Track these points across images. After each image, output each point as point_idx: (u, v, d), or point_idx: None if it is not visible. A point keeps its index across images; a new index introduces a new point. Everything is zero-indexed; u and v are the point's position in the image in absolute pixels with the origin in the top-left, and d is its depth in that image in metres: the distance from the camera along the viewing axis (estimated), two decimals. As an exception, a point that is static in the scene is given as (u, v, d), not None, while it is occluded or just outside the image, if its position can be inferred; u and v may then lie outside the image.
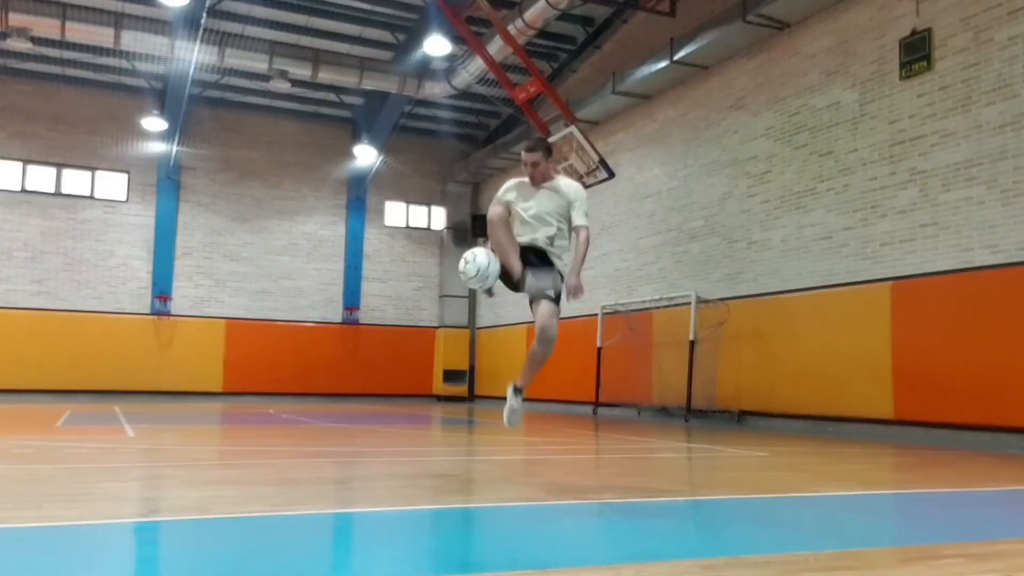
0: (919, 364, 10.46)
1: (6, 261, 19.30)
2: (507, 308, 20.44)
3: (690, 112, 15.20)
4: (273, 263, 21.69)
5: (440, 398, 22.52)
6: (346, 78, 18.22)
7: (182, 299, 20.64)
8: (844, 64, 12.02)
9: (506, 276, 5.24)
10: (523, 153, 5.34)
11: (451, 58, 17.57)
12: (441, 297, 23.00)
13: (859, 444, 9.60)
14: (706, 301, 13.96)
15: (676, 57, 14.31)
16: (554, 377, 18.73)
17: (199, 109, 20.53)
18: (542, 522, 4.14)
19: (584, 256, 5.29)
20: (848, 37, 11.99)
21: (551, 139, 13.77)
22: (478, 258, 5.10)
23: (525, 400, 5.40)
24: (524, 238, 5.28)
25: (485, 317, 22.45)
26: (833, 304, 11.79)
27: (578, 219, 5.28)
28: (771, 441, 9.78)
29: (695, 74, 14.88)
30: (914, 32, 10.98)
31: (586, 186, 13.62)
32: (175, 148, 20.21)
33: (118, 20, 16.03)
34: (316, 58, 17.83)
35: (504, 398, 5.42)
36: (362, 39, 18.43)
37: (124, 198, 20.46)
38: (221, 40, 16.74)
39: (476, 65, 16.85)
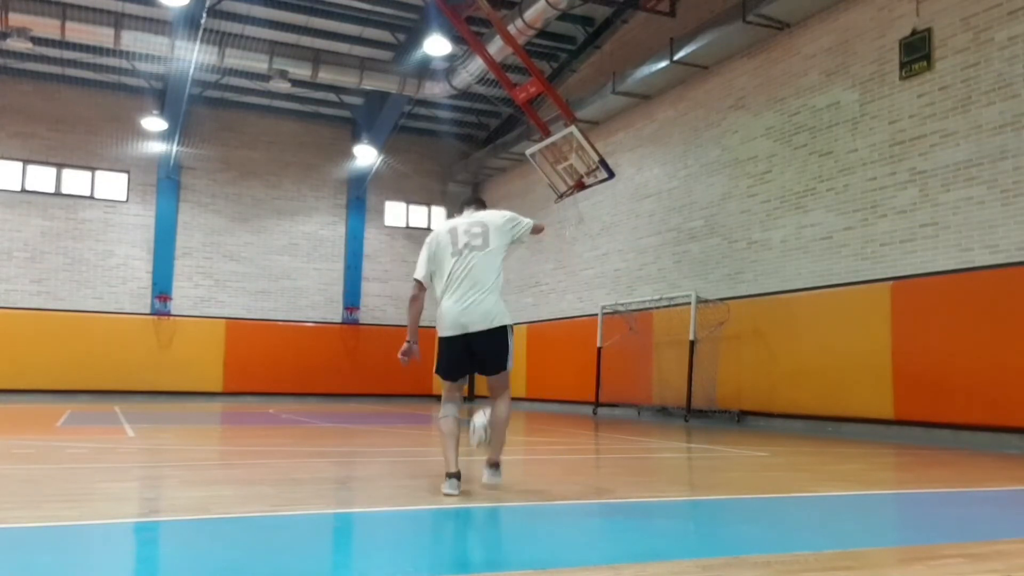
0: (919, 364, 10.45)
1: (6, 261, 19.30)
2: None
3: (690, 112, 15.20)
4: (273, 263, 21.69)
5: (440, 398, 22.49)
6: (346, 78, 18.22)
7: (182, 299, 20.63)
8: (844, 64, 12.02)
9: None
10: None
11: (451, 58, 17.57)
12: (441, 297, 22.99)
13: (859, 444, 9.60)
14: (706, 301, 13.95)
15: (676, 57, 14.31)
16: (554, 377, 18.76)
17: (199, 109, 20.54)
18: (542, 522, 4.14)
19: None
20: (848, 37, 11.99)
21: (551, 139, 13.75)
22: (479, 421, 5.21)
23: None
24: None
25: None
26: (833, 304, 11.78)
27: None
28: (771, 441, 9.78)
29: (695, 74, 14.88)
30: (914, 32, 10.98)
31: (586, 186, 13.64)
32: (175, 148, 20.20)
33: (118, 20, 16.02)
34: (316, 58, 17.82)
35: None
36: (362, 39, 18.43)
37: (124, 198, 20.46)
38: (221, 40, 16.74)
39: (476, 65, 16.85)
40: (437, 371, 5.24)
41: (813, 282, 12.23)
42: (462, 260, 5.02)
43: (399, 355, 5.31)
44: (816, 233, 12.29)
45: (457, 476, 4.79)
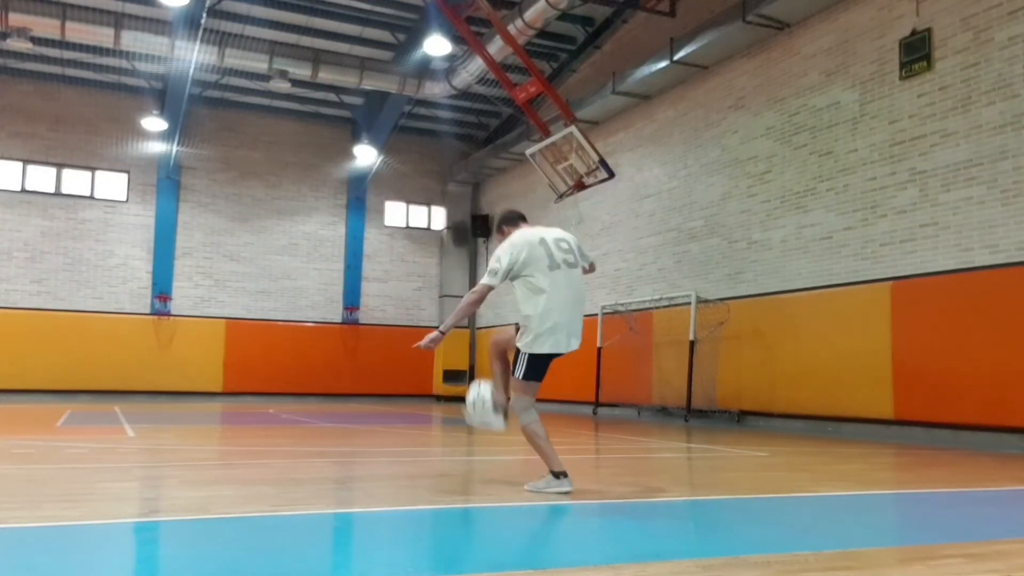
0: (919, 364, 10.45)
1: (6, 261, 19.29)
2: (507, 308, 20.44)
3: (690, 112, 15.20)
4: (273, 263, 21.69)
5: (440, 398, 22.51)
6: (346, 78, 18.21)
7: (182, 299, 20.63)
8: (844, 64, 12.02)
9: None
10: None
11: (451, 58, 17.57)
12: (441, 297, 22.99)
13: (859, 444, 9.60)
14: (706, 301, 13.95)
15: (676, 57, 14.31)
16: (554, 377, 18.72)
17: (199, 109, 20.53)
18: (542, 522, 4.14)
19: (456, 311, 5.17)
20: (848, 37, 11.99)
21: (551, 139, 13.76)
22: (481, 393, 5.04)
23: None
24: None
25: (485, 316, 22.44)
26: (833, 304, 11.78)
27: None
28: (771, 441, 9.78)
29: (695, 74, 14.87)
30: (914, 32, 10.98)
31: (586, 186, 13.64)
32: (175, 148, 20.20)
33: (118, 20, 16.01)
34: (316, 58, 17.82)
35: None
36: (362, 39, 18.42)
37: (124, 198, 20.45)
38: (221, 40, 16.73)
39: (476, 65, 16.85)
40: (527, 377, 4.97)
41: (813, 282, 12.23)
42: (565, 276, 4.92)
43: (425, 341, 5.11)
44: (816, 233, 12.29)
45: (567, 473, 4.82)
